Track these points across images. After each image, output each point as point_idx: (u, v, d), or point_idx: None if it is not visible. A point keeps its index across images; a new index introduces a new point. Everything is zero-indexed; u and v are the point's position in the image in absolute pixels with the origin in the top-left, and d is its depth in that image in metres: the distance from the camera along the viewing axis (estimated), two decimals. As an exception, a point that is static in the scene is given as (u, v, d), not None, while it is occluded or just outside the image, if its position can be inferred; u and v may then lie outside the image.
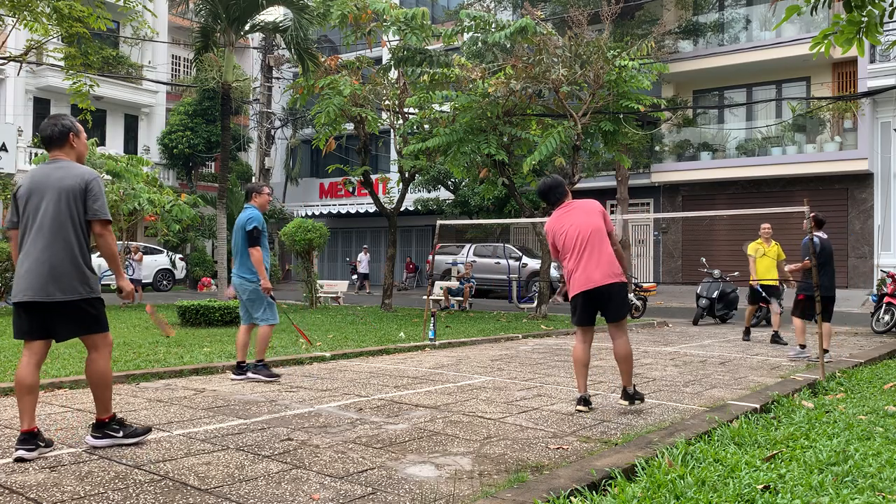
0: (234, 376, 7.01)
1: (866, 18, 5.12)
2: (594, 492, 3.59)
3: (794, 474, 3.80)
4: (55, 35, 13.31)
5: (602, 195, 23.45)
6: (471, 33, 15.61)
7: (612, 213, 20.12)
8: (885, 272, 13.90)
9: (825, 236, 9.18)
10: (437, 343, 10.04)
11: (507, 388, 6.74)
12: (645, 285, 16.52)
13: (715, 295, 14.52)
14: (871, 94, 18.90)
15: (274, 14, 21.98)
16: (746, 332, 11.44)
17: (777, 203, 21.15)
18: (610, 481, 3.71)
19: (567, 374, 7.64)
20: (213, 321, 11.90)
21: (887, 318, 12.48)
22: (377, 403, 5.88)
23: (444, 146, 14.47)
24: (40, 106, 27.80)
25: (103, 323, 4.33)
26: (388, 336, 10.76)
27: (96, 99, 20.78)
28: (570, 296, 5.62)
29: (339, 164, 19.24)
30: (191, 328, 11.54)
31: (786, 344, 10.62)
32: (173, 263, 25.80)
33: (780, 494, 3.48)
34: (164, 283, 25.35)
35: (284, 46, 21.78)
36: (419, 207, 27.52)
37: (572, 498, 3.46)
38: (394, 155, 21.77)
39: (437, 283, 18.68)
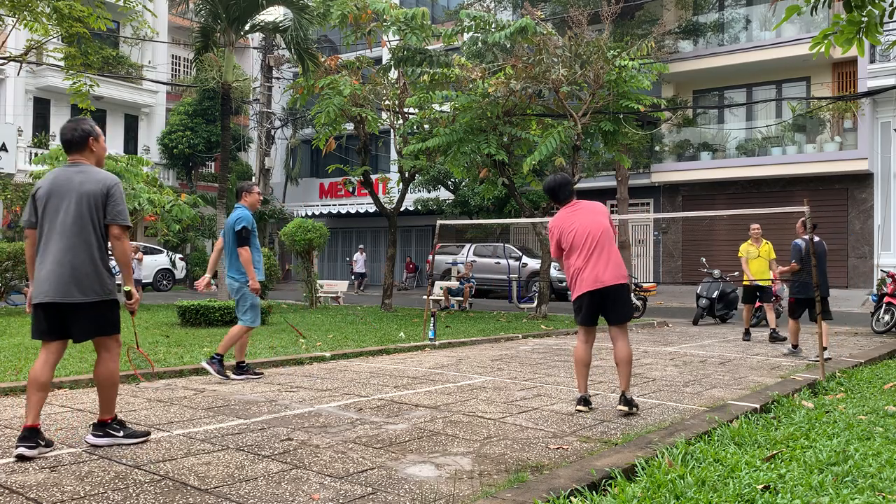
0: (234, 376, 7.01)
1: (866, 18, 5.12)
2: (594, 492, 3.59)
3: (794, 474, 3.80)
4: (55, 35, 13.30)
5: (602, 195, 23.46)
6: (471, 33, 15.61)
7: (612, 213, 20.12)
8: (885, 272, 13.91)
9: (816, 239, 9.26)
10: (437, 343, 10.04)
11: (507, 388, 6.74)
12: (645, 285, 16.52)
13: (715, 295, 14.53)
14: (871, 94, 18.90)
15: (274, 14, 21.98)
16: (746, 333, 11.49)
17: (777, 203, 21.15)
18: (610, 481, 3.71)
19: (567, 374, 7.64)
20: (213, 321, 11.90)
21: (887, 318, 12.49)
22: (377, 403, 5.88)
23: (444, 146, 14.47)
24: (40, 106, 27.81)
25: (117, 325, 4.41)
26: (388, 336, 10.76)
27: (96, 99, 20.77)
28: (576, 295, 5.58)
29: (339, 164, 19.24)
30: (191, 328, 11.55)
31: (784, 339, 10.74)
32: (173, 263, 25.80)
33: (780, 494, 3.48)
34: (164, 283, 25.35)
35: (284, 46, 21.78)
36: (419, 207, 27.52)
37: (572, 498, 3.46)
38: (394, 155, 21.77)
39: (437, 283, 18.68)
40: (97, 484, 3.65)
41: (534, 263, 21.47)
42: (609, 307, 5.53)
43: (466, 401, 6.04)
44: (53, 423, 4.98)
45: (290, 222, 17.78)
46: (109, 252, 4.41)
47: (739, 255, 11.47)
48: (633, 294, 15.38)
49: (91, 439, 4.37)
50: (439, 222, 11.60)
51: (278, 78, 31.84)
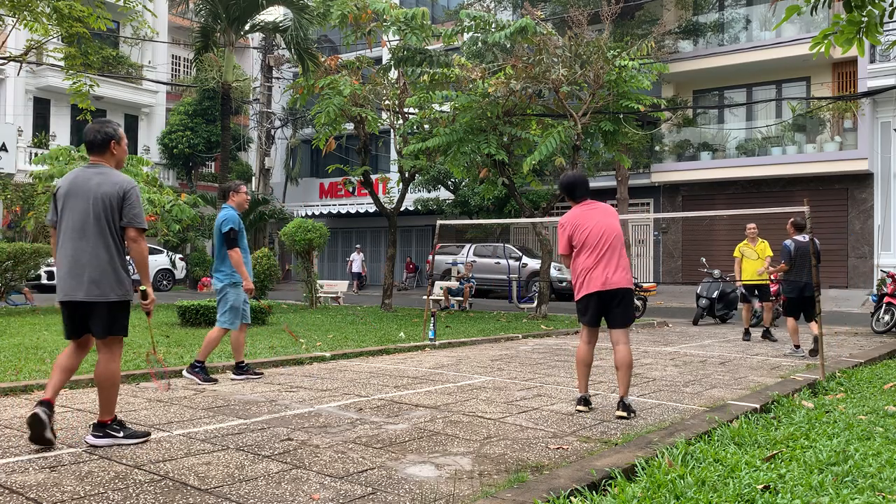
0: (234, 376, 7.01)
1: (866, 18, 5.12)
2: (594, 492, 3.58)
3: (794, 474, 3.80)
4: (55, 35, 13.30)
5: (602, 195, 23.44)
6: (471, 33, 15.61)
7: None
8: (885, 272, 13.91)
9: (805, 239, 9.38)
10: (437, 343, 10.04)
11: (507, 388, 6.74)
12: (645, 285, 16.51)
13: (715, 295, 14.53)
14: (871, 94, 18.90)
15: (274, 14, 21.99)
16: (746, 333, 11.51)
17: (777, 203, 21.15)
18: (610, 481, 3.70)
19: (567, 374, 7.64)
20: (213, 321, 11.84)
21: (887, 318, 12.49)
22: (377, 403, 5.88)
23: (444, 146, 14.47)
24: (40, 106, 27.81)
25: (126, 327, 4.50)
26: (388, 336, 10.76)
27: (96, 99, 20.78)
28: (582, 294, 5.56)
29: (339, 164, 19.24)
30: (191, 328, 11.54)
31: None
32: (173, 263, 25.79)
33: (780, 494, 3.48)
34: (164, 283, 25.35)
35: (284, 46, 21.79)
36: (419, 207, 27.52)
37: (572, 498, 3.46)
38: (394, 155, 21.77)
39: (437, 283, 18.69)
40: (97, 484, 3.65)
41: (534, 263, 21.47)
42: (613, 310, 5.52)
43: (466, 401, 6.04)
44: (53, 423, 4.97)
45: (290, 222, 17.77)
46: (127, 253, 4.47)
47: (735, 254, 11.57)
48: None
49: (91, 440, 4.37)
50: (439, 222, 11.60)
51: (278, 78, 31.85)
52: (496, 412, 5.59)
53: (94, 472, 3.86)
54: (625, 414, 5.42)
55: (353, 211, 30.49)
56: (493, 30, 14.42)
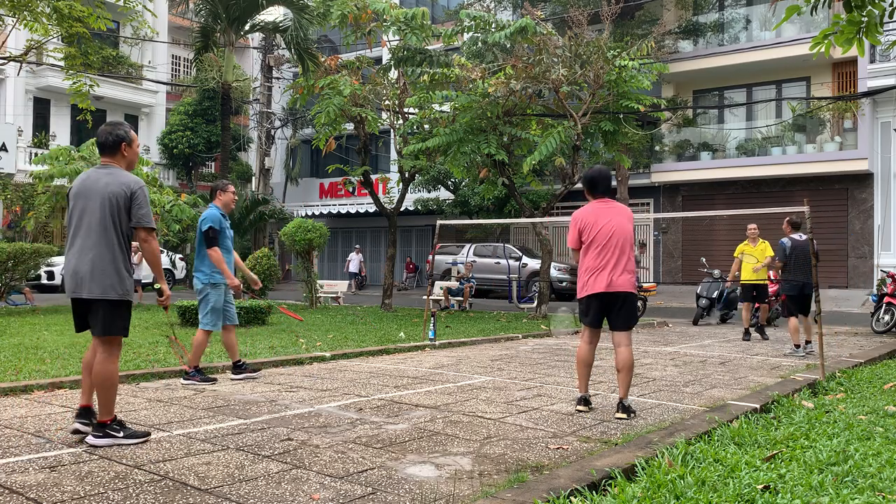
0: (233, 376, 7.00)
1: (866, 18, 5.12)
2: (594, 492, 3.58)
3: (794, 474, 3.80)
4: (55, 35, 13.31)
5: (602, 195, 23.41)
6: (471, 33, 15.61)
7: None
8: (885, 272, 13.92)
9: (803, 237, 9.43)
10: (437, 343, 10.04)
11: (507, 388, 6.74)
12: (645, 285, 16.51)
13: (715, 295, 14.54)
14: (871, 94, 18.89)
15: (274, 14, 21.99)
16: (746, 333, 11.52)
17: (777, 203, 21.14)
18: (610, 481, 3.71)
19: (567, 374, 7.64)
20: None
21: (887, 318, 12.49)
22: (377, 403, 5.88)
23: (444, 146, 14.47)
24: (40, 106, 27.81)
25: (125, 328, 4.56)
26: (388, 336, 10.76)
27: (96, 99, 20.77)
28: (585, 294, 5.54)
29: (339, 164, 19.23)
30: (191, 328, 11.54)
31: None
32: (173, 263, 25.77)
33: (780, 494, 3.48)
34: (164, 283, 25.31)
35: (284, 46, 21.79)
36: (419, 207, 27.51)
37: (572, 498, 3.46)
38: (394, 155, 21.77)
39: (437, 283, 18.69)
40: (97, 484, 3.65)
41: (534, 263, 21.46)
42: (616, 312, 5.51)
43: (466, 401, 6.04)
44: (53, 422, 4.98)
45: (290, 222, 17.77)
46: (135, 252, 4.55)
47: (735, 255, 11.67)
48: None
49: (91, 440, 4.37)
50: (439, 222, 11.60)
51: (278, 78, 31.84)
52: (496, 412, 5.59)
53: (94, 472, 3.86)
54: (624, 416, 5.42)
55: (353, 211, 30.49)
56: (493, 30, 14.42)
